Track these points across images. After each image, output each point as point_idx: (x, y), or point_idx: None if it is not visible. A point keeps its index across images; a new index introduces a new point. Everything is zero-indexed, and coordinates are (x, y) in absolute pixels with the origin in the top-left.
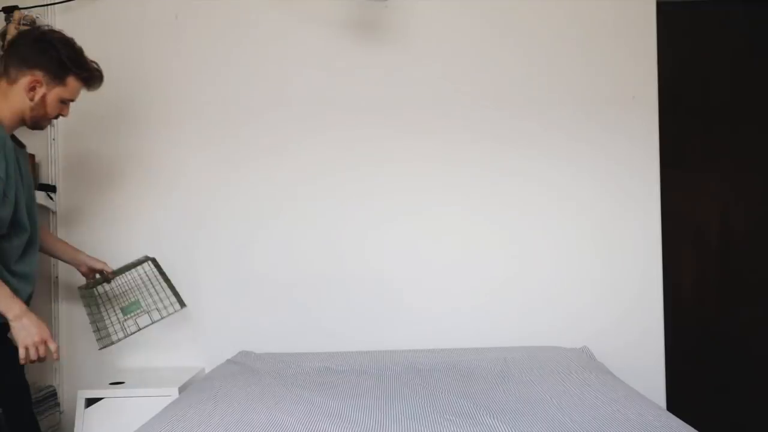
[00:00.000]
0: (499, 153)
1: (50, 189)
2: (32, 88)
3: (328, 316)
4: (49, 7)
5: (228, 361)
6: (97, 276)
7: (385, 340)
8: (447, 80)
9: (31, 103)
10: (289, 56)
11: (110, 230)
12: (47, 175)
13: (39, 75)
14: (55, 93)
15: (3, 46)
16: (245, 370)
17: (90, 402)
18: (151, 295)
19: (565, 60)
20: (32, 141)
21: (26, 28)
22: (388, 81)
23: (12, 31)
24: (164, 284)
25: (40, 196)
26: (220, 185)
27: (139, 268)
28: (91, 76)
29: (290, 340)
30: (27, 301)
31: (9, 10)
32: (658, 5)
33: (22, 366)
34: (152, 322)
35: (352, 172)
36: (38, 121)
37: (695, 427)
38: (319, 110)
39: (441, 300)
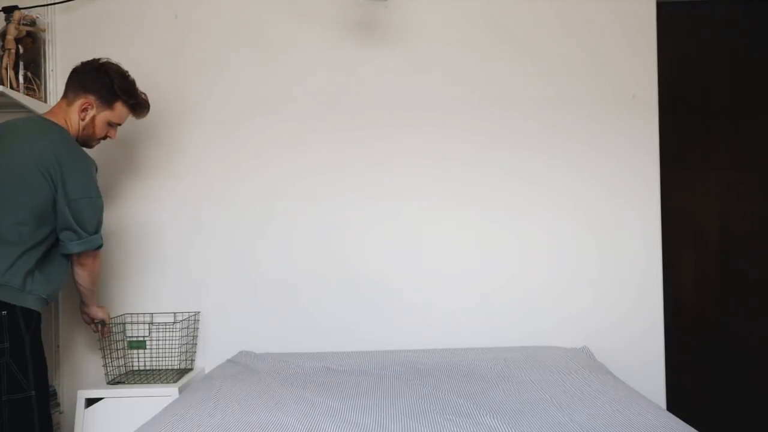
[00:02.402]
0: (500, 152)
1: None
2: (84, 109)
3: (328, 316)
4: (49, 7)
5: (228, 361)
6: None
7: (385, 340)
8: (446, 80)
9: (82, 123)
10: (288, 56)
11: (109, 230)
12: None
13: (91, 99)
14: (103, 116)
15: (3, 46)
16: (245, 370)
17: (90, 402)
18: (161, 344)
19: (565, 60)
20: None
21: (27, 28)
22: (387, 81)
23: (12, 31)
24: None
25: None
26: (220, 185)
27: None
28: (137, 103)
29: (290, 340)
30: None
31: (9, 10)
32: (658, 5)
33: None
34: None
35: (351, 172)
36: (87, 139)
37: (695, 427)
38: (318, 110)
39: (441, 300)
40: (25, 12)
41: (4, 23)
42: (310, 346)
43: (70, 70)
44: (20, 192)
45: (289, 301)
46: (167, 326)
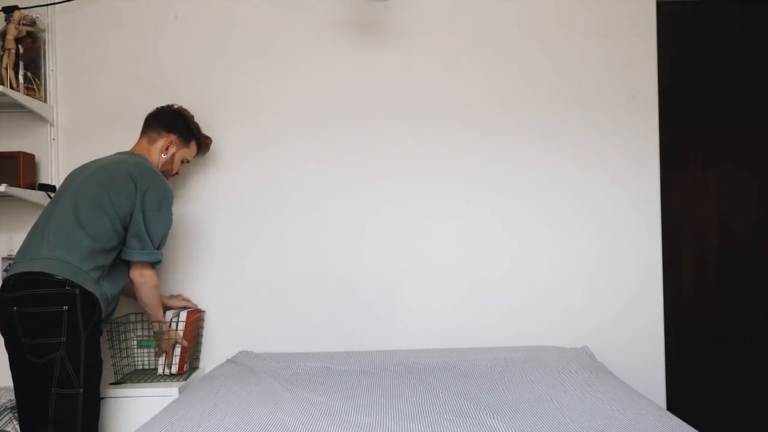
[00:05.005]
0: (499, 152)
1: (50, 189)
2: (167, 147)
3: (327, 316)
4: (49, 7)
5: (228, 361)
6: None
7: (385, 339)
8: (447, 79)
9: (164, 158)
10: (288, 56)
11: None
12: (47, 175)
13: (173, 137)
14: (181, 153)
15: (3, 46)
16: (245, 370)
17: None
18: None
19: (564, 60)
20: (32, 141)
21: (27, 28)
22: (387, 80)
23: (12, 31)
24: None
25: (40, 196)
26: (219, 186)
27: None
28: (205, 143)
29: (290, 340)
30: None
31: (9, 10)
32: (658, 5)
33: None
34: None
35: (350, 172)
36: (165, 175)
37: (695, 427)
38: (317, 110)
39: (440, 298)
40: (25, 12)
41: (4, 23)
42: (310, 346)
43: (70, 69)
44: (114, 197)
45: (289, 301)
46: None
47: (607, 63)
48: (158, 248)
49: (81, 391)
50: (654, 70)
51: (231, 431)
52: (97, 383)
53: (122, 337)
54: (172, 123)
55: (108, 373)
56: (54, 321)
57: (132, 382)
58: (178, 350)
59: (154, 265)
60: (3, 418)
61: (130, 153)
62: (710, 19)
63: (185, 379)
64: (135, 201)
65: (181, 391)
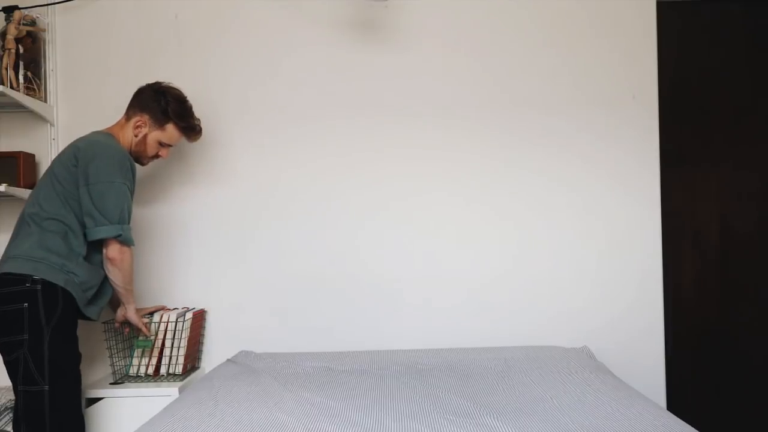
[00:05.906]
0: (499, 152)
1: None
2: (138, 127)
3: (327, 315)
4: (49, 7)
5: (228, 361)
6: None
7: (385, 340)
8: (447, 79)
9: (135, 139)
10: (288, 56)
11: None
12: None
13: (145, 117)
14: (154, 135)
15: (3, 46)
16: (245, 370)
17: (90, 402)
18: (167, 346)
19: (564, 60)
20: (32, 141)
21: (27, 28)
22: (388, 81)
23: (12, 31)
24: (185, 343)
25: None
26: (217, 185)
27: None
28: (188, 127)
29: (290, 340)
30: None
31: (9, 10)
32: (658, 5)
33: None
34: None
35: (350, 171)
36: (138, 156)
37: (695, 427)
38: (317, 110)
39: (441, 298)
40: (25, 12)
41: (4, 23)
42: (310, 345)
43: (70, 69)
44: (60, 175)
45: (288, 301)
46: (173, 324)
47: (607, 63)
48: (120, 222)
49: (46, 388)
50: (654, 70)
51: (231, 431)
52: (72, 380)
53: (123, 337)
54: (148, 102)
55: (108, 373)
56: (16, 319)
57: (132, 382)
58: (167, 351)
59: (123, 242)
60: (3, 418)
61: (101, 132)
62: (710, 19)
63: (185, 379)
64: (77, 177)
65: (181, 391)
